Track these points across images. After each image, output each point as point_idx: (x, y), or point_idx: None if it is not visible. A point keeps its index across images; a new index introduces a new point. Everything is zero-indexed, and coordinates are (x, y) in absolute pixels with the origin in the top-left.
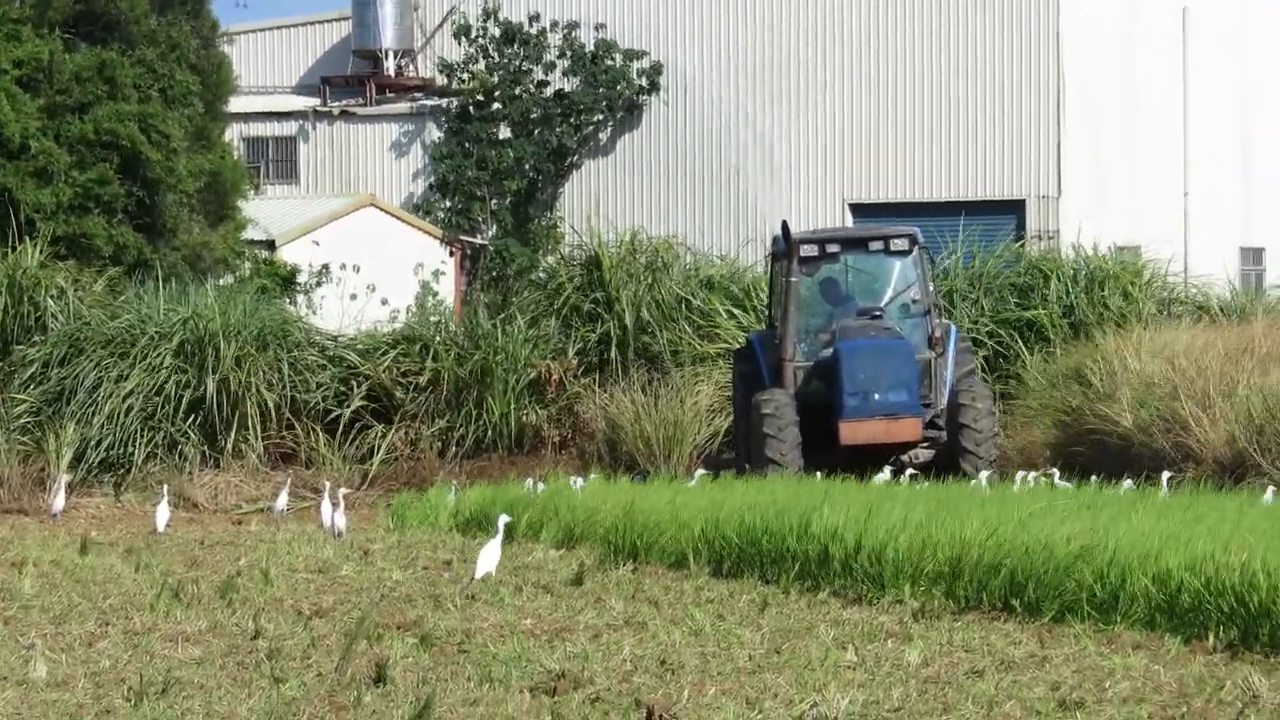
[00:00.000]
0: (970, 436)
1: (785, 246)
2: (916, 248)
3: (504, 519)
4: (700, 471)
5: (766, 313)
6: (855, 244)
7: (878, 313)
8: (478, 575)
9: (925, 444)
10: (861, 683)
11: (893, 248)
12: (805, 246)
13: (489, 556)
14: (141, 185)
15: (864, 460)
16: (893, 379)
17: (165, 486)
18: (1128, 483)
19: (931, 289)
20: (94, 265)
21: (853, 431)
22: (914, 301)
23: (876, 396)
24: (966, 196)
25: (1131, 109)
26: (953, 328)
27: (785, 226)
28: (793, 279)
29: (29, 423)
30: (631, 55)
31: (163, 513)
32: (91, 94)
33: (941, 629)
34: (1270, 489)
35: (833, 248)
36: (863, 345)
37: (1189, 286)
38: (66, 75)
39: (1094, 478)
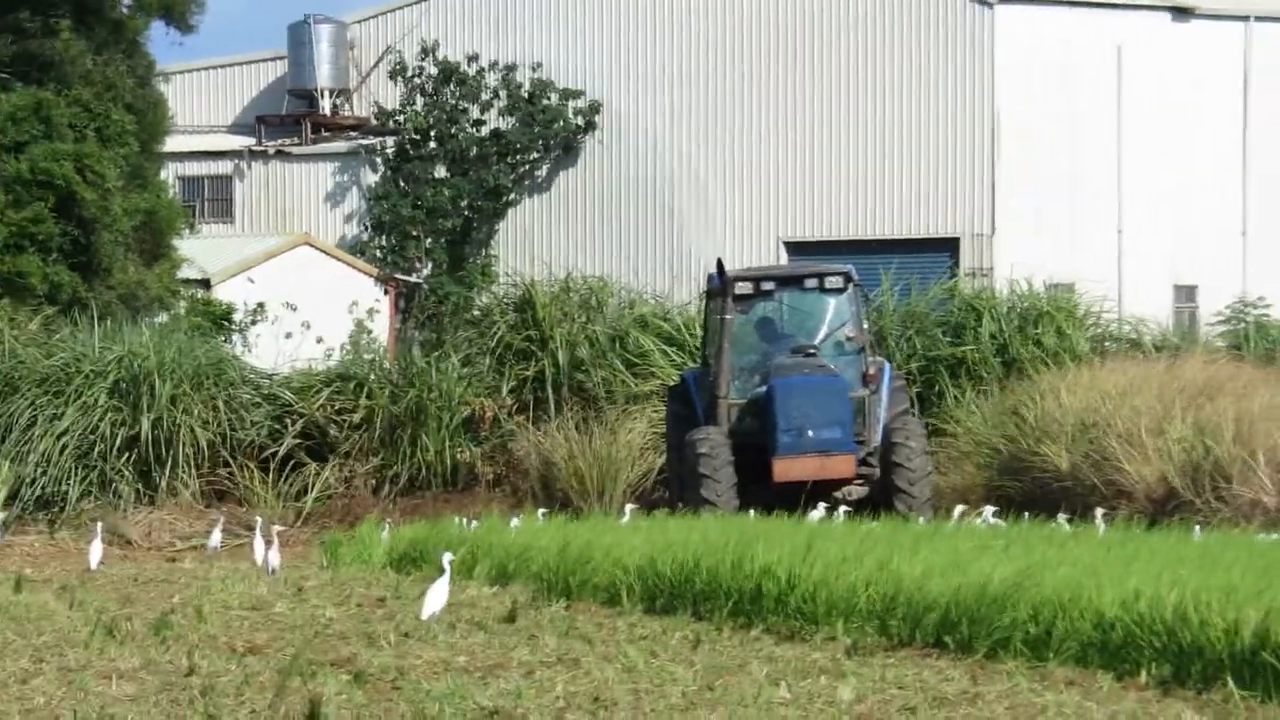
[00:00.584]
0: (904, 475)
1: (720, 284)
2: (851, 285)
3: (448, 557)
4: (630, 508)
5: (701, 351)
6: (790, 282)
7: (812, 350)
8: (424, 615)
9: (859, 481)
10: (795, 719)
11: (828, 285)
12: (740, 284)
13: (437, 595)
14: (77, 224)
15: (797, 498)
16: (826, 416)
17: (99, 524)
18: (1063, 519)
19: (866, 326)
20: (29, 304)
21: (786, 468)
22: (848, 339)
23: (810, 433)
24: (901, 234)
25: (1066, 147)
26: (887, 365)
27: (720, 264)
28: (727, 316)
29: None
30: (568, 95)
31: (96, 550)
32: (27, 133)
33: (875, 666)
34: (1196, 528)
35: (767, 285)
36: (796, 382)
37: (1122, 324)
38: (2, 115)
39: (1026, 515)
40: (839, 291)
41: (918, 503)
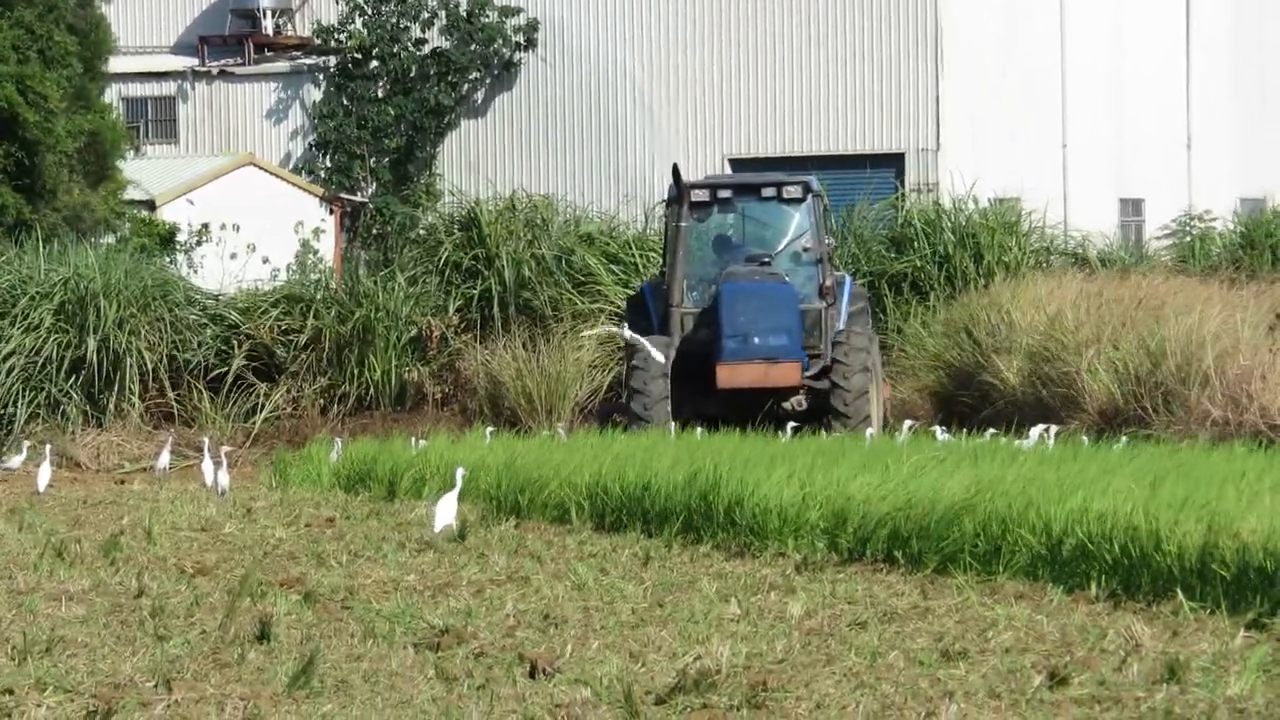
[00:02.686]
0: (839, 395)
1: (676, 191)
2: (810, 195)
3: (461, 471)
4: (561, 427)
5: (662, 261)
6: (747, 190)
7: (766, 260)
8: (436, 527)
9: (807, 393)
10: (745, 635)
11: (786, 195)
12: (696, 191)
13: (446, 508)
14: (20, 146)
15: (744, 408)
16: (773, 322)
17: (47, 447)
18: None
19: (828, 239)
20: None
21: (731, 374)
22: (805, 250)
23: (756, 340)
24: (846, 150)
25: (1009, 61)
26: (848, 280)
27: (675, 170)
28: (682, 224)
29: None
30: (507, 12)
31: (45, 473)
32: None
33: (824, 581)
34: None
35: (724, 193)
36: (743, 288)
37: (1068, 238)
38: None
39: (967, 429)
40: (798, 201)
41: (853, 422)
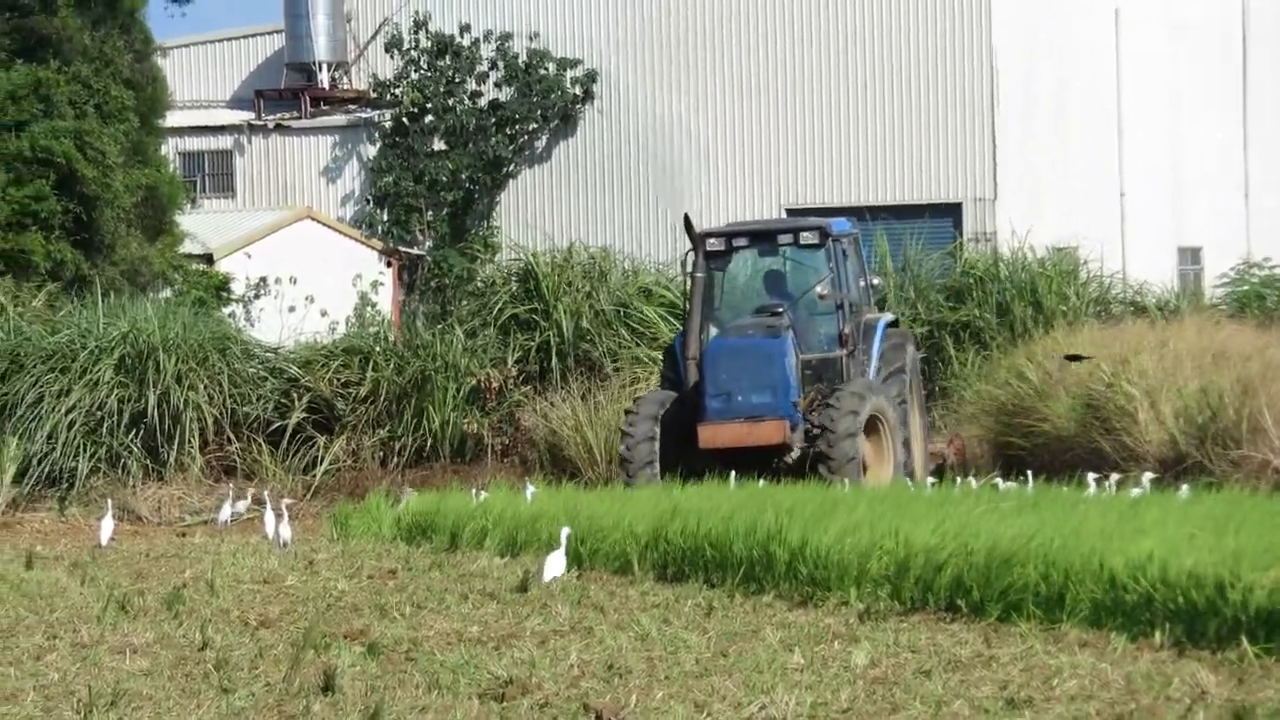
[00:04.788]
0: (825, 438)
1: (690, 240)
2: (830, 240)
3: (566, 531)
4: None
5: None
6: (764, 237)
7: (779, 310)
8: (545, 579)
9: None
10: (809, 684)
11: (803, 241)
12: (711, 241)
13: (555, 563)
14: (78, 201)
15: (742, 463)
16: (756, 380)
17: (109, 500)
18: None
19: (858, 284)
20: (32, 281)
21: (712, 435)
22: (821, 297)
23: (739, 398)
24: (904, 200)
25: (1066, 110)
26: (880, 324)
27: (687, 219)
28: (697, 274)
29: None
30: (565, 64)
31: (107, 526)
32: (27, 112)
33: (888, 630)
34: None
35: (740, 241)
36: (726, 346)
37: (1126, 286)
38: (2, 94)
39: (1027, 478)
40: (815, 248)
41: (836, 464)
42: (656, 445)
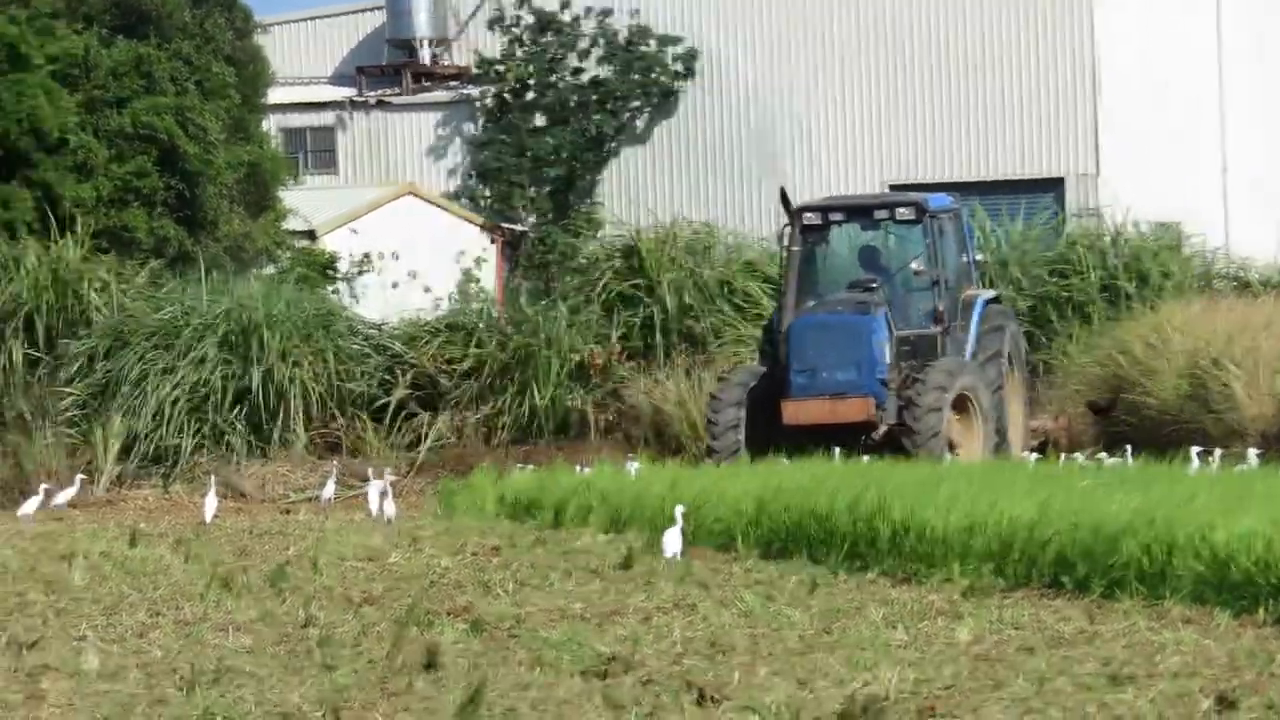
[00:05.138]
0: (910, 412)
1: (786, 214)
2: (927, 216)
3: (680, 508)
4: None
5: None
6: (860, 213)
7: (872, 285)
8: (666, 555)
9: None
10: (912, 661)
11: (899, 217)
12: (807, 215)
13: (672, 540)
14: (180, 178)
15: (829, 439)
16: (841, 356)
17: (212, 477)
18: (1195, 457)
19: (959, 260)
20: (136, 258)
21: (795, 411)
22: (916, 273)
23: (824, 374)
24: (1006, 175)
25: (1167, 85)
26: (980, 301)
27: (783, 193)
28: (794, 248)
29: (75, 416)
30: (666, 41)
31: (211, 503)
32: (129, 88)
33: (991, 607)
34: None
35: (836, 216)
36: (812, 322)
37: (1229, 262)
38: (103, 70)
39: (1126, 454)
40: (912, 223)
41: (921, 439)
42: (742, 419)
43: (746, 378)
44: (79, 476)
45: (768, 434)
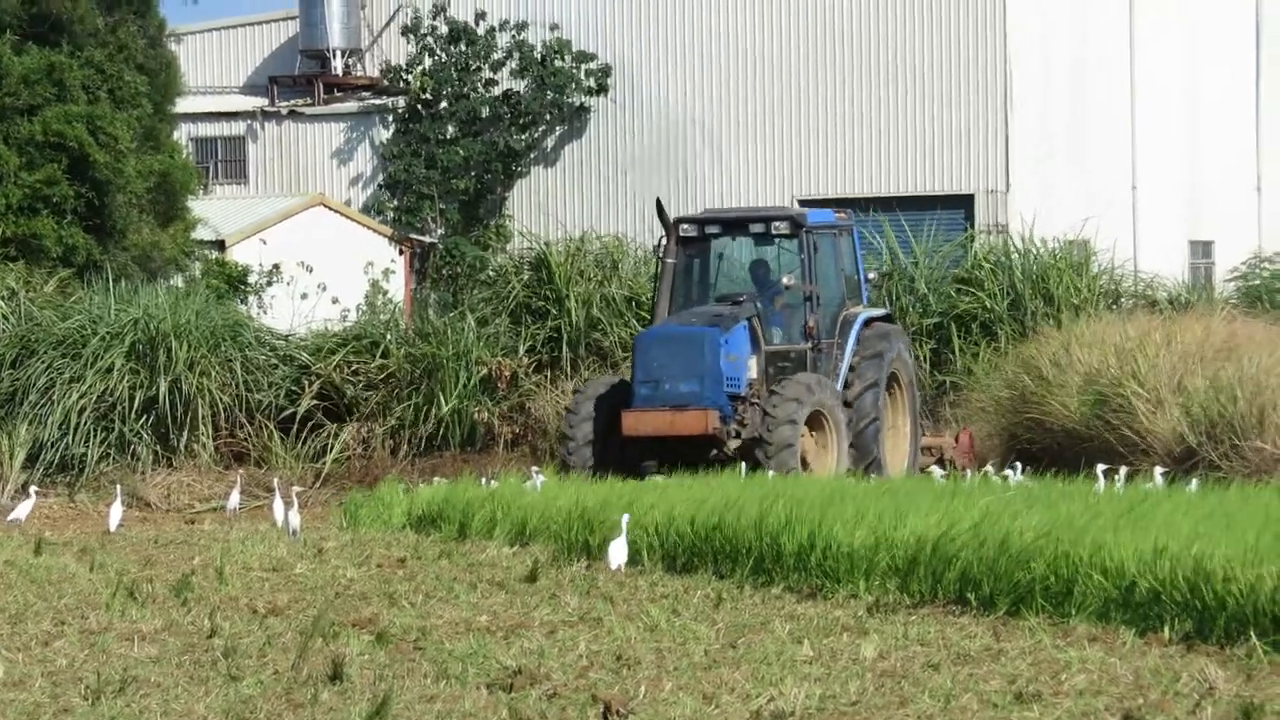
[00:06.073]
0: (762, 449)
1: (662, 226)
2: (803, 231)
3: (625, 517)
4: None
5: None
6: (736, 226)
7: (740, 299)
8: (612, 567)
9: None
10: (818, 677)
11: (775, 231)
12: (684, 226)
13: (618, 550)
14: (90, 186)
15: (673, 455)
16: (685, 368)
17: (118, 487)
18: (1100, 475)
19: (840, 275)
20: (44, 266)
21: (636, 422)
22: (786, 288)
23: (666, 386)
24: (916, 191)
25: (1079, 102)
26: (859, 319)
27: (660, 206)
28: (668, 260)
29: None
30: (582, 58)
31: (116, 512)
32: (40, 96)
33: (897, 623)
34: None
35: (712, 229)
36: (657, 334)
37: (1137, 279)
38: (15, 78)
39: (1034, 472)
40: (788, 237)
41: (774, 450)
42: (593, 430)
43: (599, 389)
44: (33, 488)
45: (620, 448)
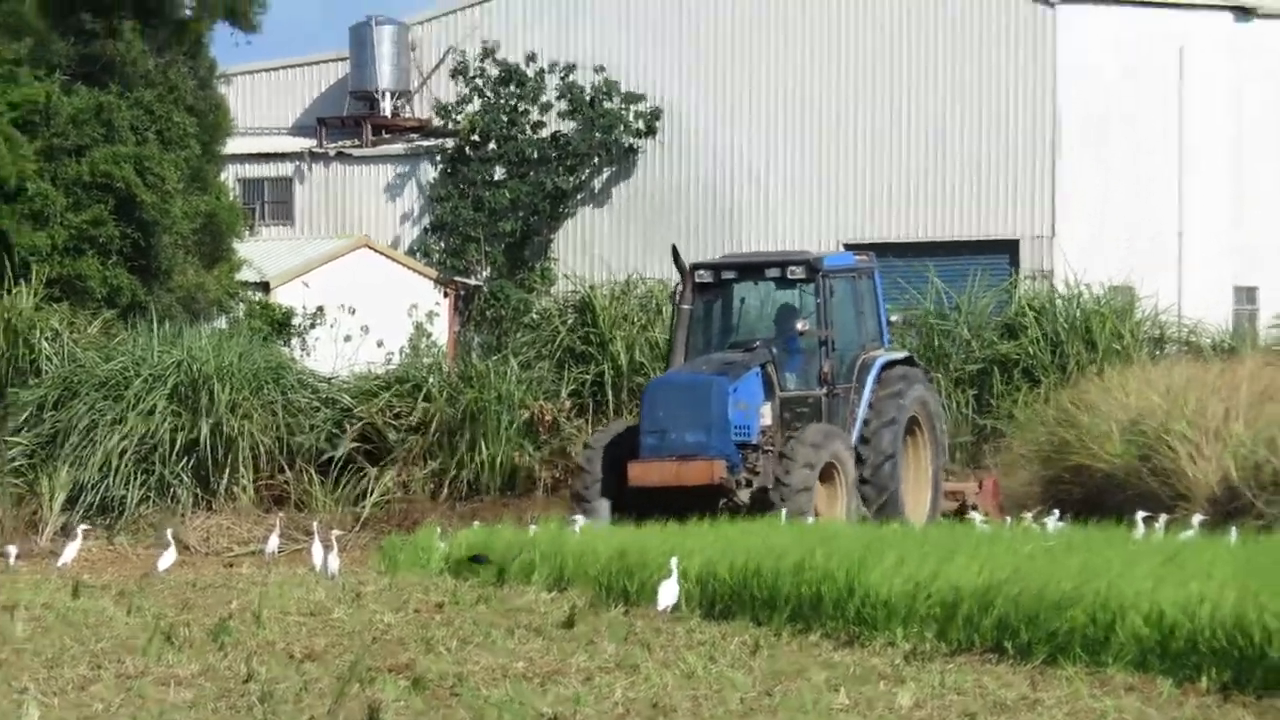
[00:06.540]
0: (778, 490)
1: (679, 272)
2: (819, 275)
3: (674, 560)
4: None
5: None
6: (752, 271)
7: (754, 344)
8: (660, 607)
9: (747, 485)
10: None
11: (790, 276)
12: (700, 272)
13: (668, 591)
14: (136, 227)
15: (681, 505)
16: (692, 418)
17: (170, 531)
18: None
19: (859, 319)
20: (89, 307)
21: (642, 473)
22: (800, 333)
23: (673, 435)
24: (961, 236)
25: (1126, 148)
26: (878, 363)
27: (675, 251)
28: (684, 306)
29: (22, 465)
30: (631, 99)
31: (169, 556)
32: (88, 136)
33: (933, 671)
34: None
35: (728, 274)
36: (665, 382)
37: (1181, 326)
38: (64, 118)
39: (1074, 518)
40: (804, 282)
41: (789, 515)
42: (607, 486)
43: (607, 439)
44: (81, 528)
45: (633, 494)
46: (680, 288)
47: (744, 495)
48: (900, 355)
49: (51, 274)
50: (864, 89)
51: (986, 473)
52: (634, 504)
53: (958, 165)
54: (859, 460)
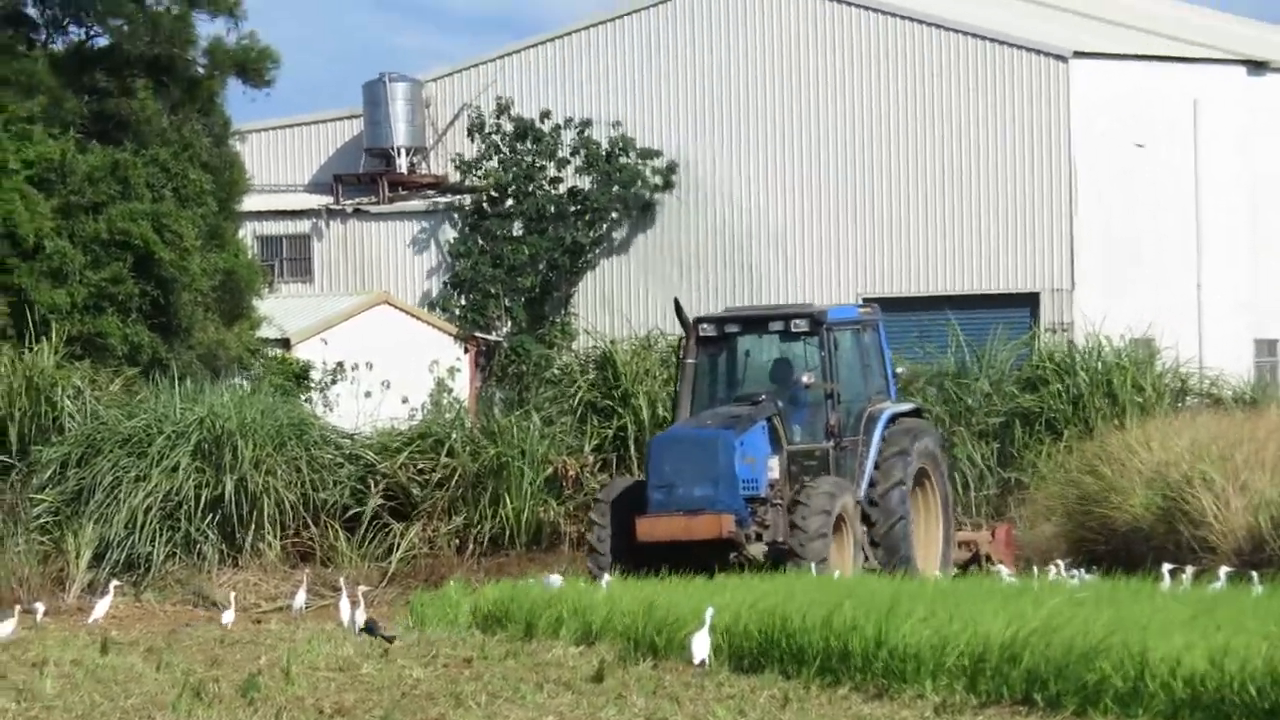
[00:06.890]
0: (796, 535)
1: (683, 326)
2: (823, 328)
3: (710, 610)
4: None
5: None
6: (755, 324)
7: (760, 398)
8: (695, 660)
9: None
10: None
11: (794, 329)
12: (704, 326)
13: (701, 643)
14: (155, 284)
15: (690, 559)
16: (699, 472)
17: (232, 595)
18: (1166, 574)
19: (865, 372)
20: (109, 365)
21: (650, 528)
22: (806, 387)
23: (680, 490)
24: (980, 290)
25: (1144, 201)
26: (884, 415)
27: (678, 305)
28: (688, 360)
29: (48, 523)
30: (647, 154)
31: (230, 614)
32: (105, 194)
33: None
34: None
35: (732, 328)
36: (671, 436)
37: (1202, 378)
38: (80, 175)
39: (1099, 570)
40: (806, 335)
41: (805, 564)
42: (619, 542)
43: (615, 492)
44: (114, 584)
45: (642, 549)
46: (685, 341)
47: (757, 550)
48: (907, 407)
49: (72, 331)
50: (882, 144)
51: (1000, 522)
52: (643, 559)
53: (977, 219)
54: (869, 521)
